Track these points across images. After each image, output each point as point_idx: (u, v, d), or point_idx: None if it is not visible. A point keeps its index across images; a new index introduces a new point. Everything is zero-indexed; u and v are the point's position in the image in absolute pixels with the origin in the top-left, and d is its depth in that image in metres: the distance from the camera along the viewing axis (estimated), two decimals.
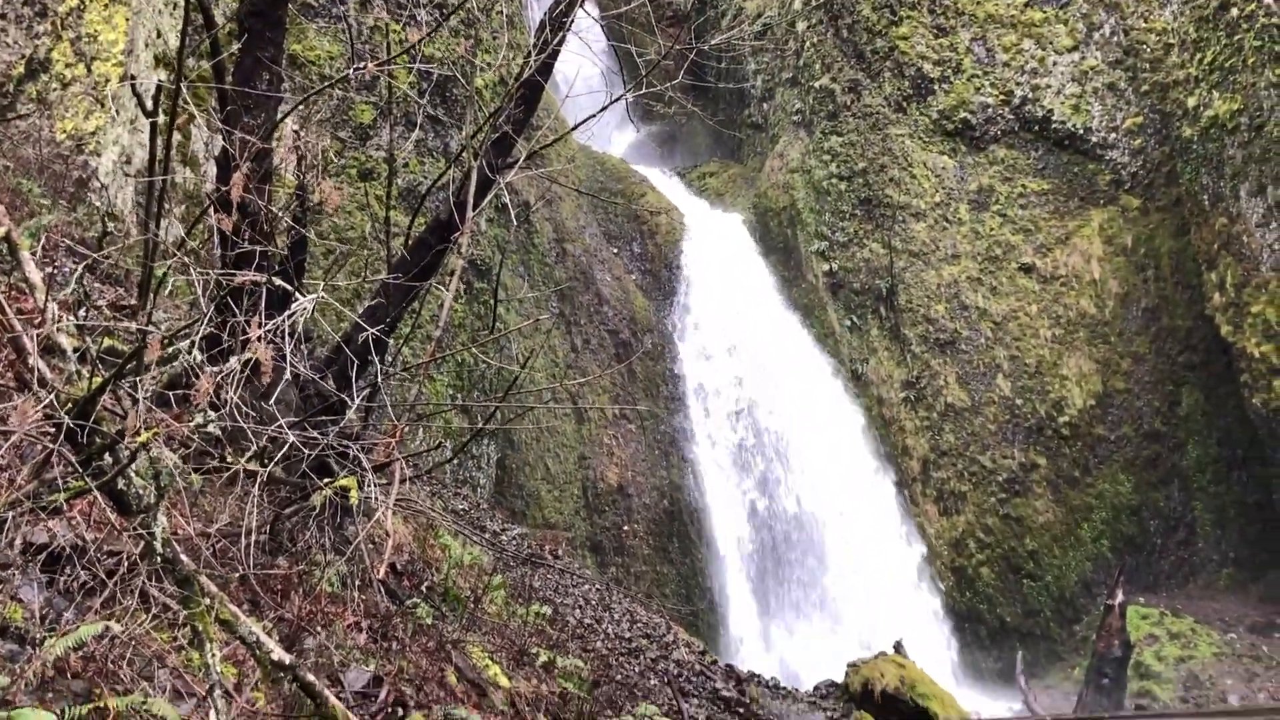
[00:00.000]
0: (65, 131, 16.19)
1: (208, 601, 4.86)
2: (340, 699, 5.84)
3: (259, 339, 4.55)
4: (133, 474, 4.76)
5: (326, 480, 7.93)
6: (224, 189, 5.93)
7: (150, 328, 4.54)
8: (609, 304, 35.43)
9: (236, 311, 5.19)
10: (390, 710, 8.08)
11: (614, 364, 34.10)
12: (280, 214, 7.75)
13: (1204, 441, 36.29)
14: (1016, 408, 38.01)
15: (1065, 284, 38.50)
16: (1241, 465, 35.29)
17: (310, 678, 5.26)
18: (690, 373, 36.52)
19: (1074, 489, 37.38)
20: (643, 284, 37.74)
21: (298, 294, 4.90)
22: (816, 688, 23.45)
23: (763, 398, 35.89)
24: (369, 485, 7.12)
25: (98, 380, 5.04)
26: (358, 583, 9.10)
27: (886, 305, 39.17)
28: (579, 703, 10.61)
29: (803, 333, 38.34)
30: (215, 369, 4.82)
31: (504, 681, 9.81)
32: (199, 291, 5.47)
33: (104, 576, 5.36)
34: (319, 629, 8.04)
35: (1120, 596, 27.35)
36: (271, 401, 6.76)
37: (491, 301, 29.22)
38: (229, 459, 5.80)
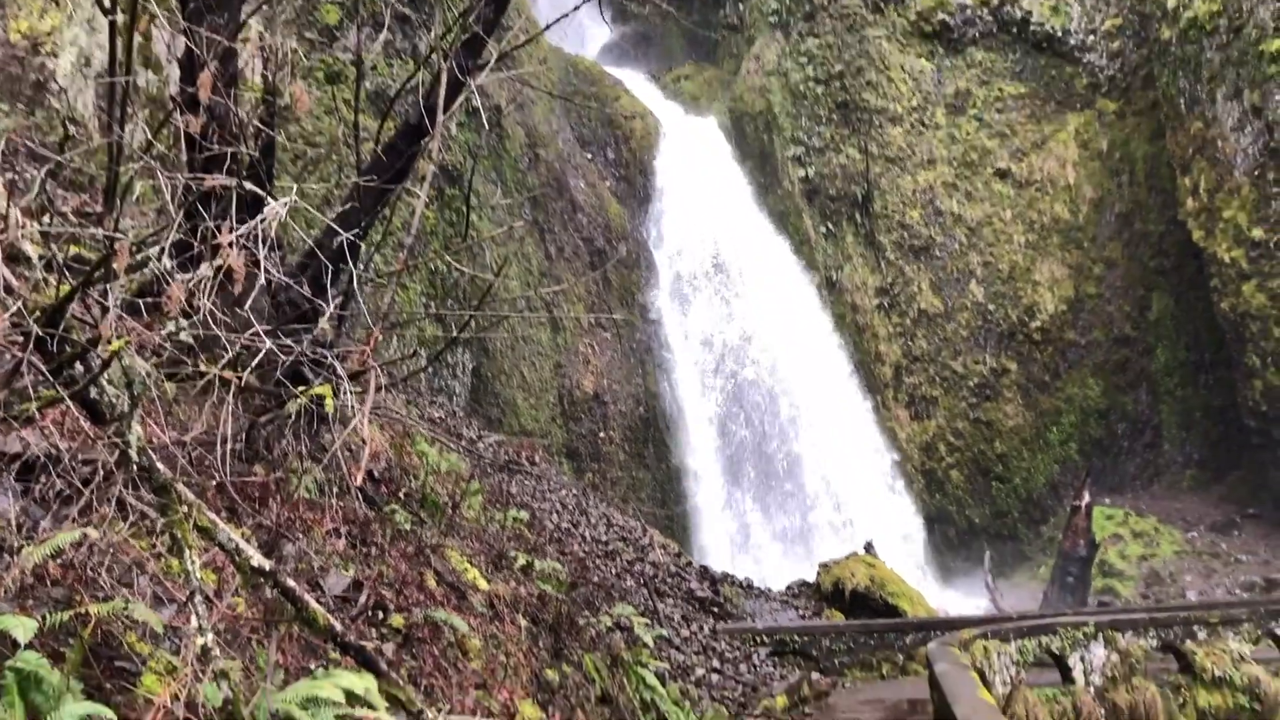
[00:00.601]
0: (19, 31, 15.67)
1: (185, 509, 4.87)
2: (320, 603, 5.91)
3: (230, 244, 4.47)
4: (105, 382, 4.72)
5: (302, 388, 7.89)
6: (190, 90, 5.78)
7: (118, 234, 4.46)
8: (583, 211, 35.10)
9: (206, 217, 5.09)
10: (370, 613, 8.19)
11: (589, 272, 33.94)
12: (248, 116, 7.56)
13: (1172, 346, 36.77)
14: (989, 313, 38.29)
15: (1040, 189, 38.49)
16: (1208, 369, 35.84)
17: (290, 583, 5.31)
18: (665, 281, 36.45)
19: (1044, 393, 37.91)
20: (617, 190, 37.36)
21: (269, 198, 4.81)
22: (789, 587, 23.97)
23: (738, 306, 35.94)
24: (345, 393, 7.09)
25: (65, 288, 4.96)
26: (335, 490, 9.14)
27: (862, 212, 39.04)
28: (557, 604, 10.80)
29: (778, 240, 38.22)
30: (186, 276, 4.75)
31: (483, 584, 9.96)
32: (167, 197, 5.36)
33: (80, 485, 5.35)
34: (297, 535, 8.09)
35: (1086, 497, 27.98)
36: (245, 309, 6.69)
37: (464, 208, 28.87)
38: (202, 367, 5.75)
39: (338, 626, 5.52)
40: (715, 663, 15.66)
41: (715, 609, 19.76)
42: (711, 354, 35.70)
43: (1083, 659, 16.19)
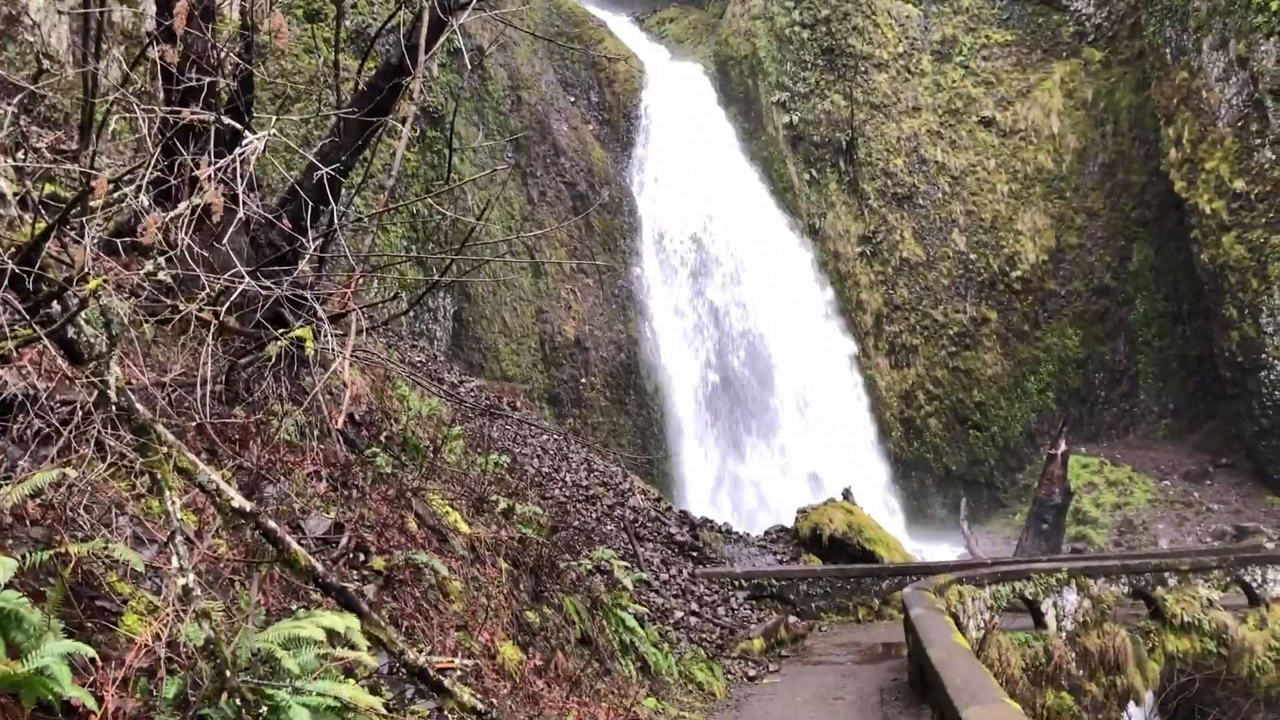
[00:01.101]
0: None
1: (165, 449, 4.84)
2: (302, 545, 5.92)
3: (209, 179, 4.39)
4: (82, 322, 4.66)
5: (282, 330, 7.84)
6: (165, 23, 5.64)
7: (94, 170, 4.37)
8: (566, 155, 34.81)
9: (184, 152, 4.99)
10: (351, 556, 8.22)
11: (571, 217, 33.74)
12: (226, 50, 7.41)
13: (1151, 296, 36.97)
14: (970, 262, 38.36)
15: (1024, 138, 38.39)
16: (1186, 320, 36.08)
17: (272, 524, 5.30)
18: (648, 227, 36.27)
19: (1023, 342, 38.13)
20: (600, 134, 37.03)
21: (247, 132, 4.71)
22: (767, 532, 24.19)
23: (721, 253, 35.84)
24: (325, 335, 7.05)
25: (41, 226, 4.88)
26: (316, 433, 9.12)
27: (846, 159, 38.87)
28: (538, 547, 10.87)
29: (761, 187, 38.06)
30: (164, 213, 4.66)
31: (464, 528, 10.00)
32: (144, 131, 5.25)
33: (58, 425, 5.32)
34: (278, 478, 8.09)
35: (1063, 446, 28.24)
36: (223, 248, 6.60)
37: (445, 151, 28.57)
38: (181, 307, 5.68)
39: (319, 568, 5.53)
40: (694, 606, 15.83)
41: (694, 553, 19.94)
42: (694, 301, 35.68)
43: (1055, 605, 16.45)
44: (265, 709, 4.71)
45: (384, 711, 6.22)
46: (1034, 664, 15.57)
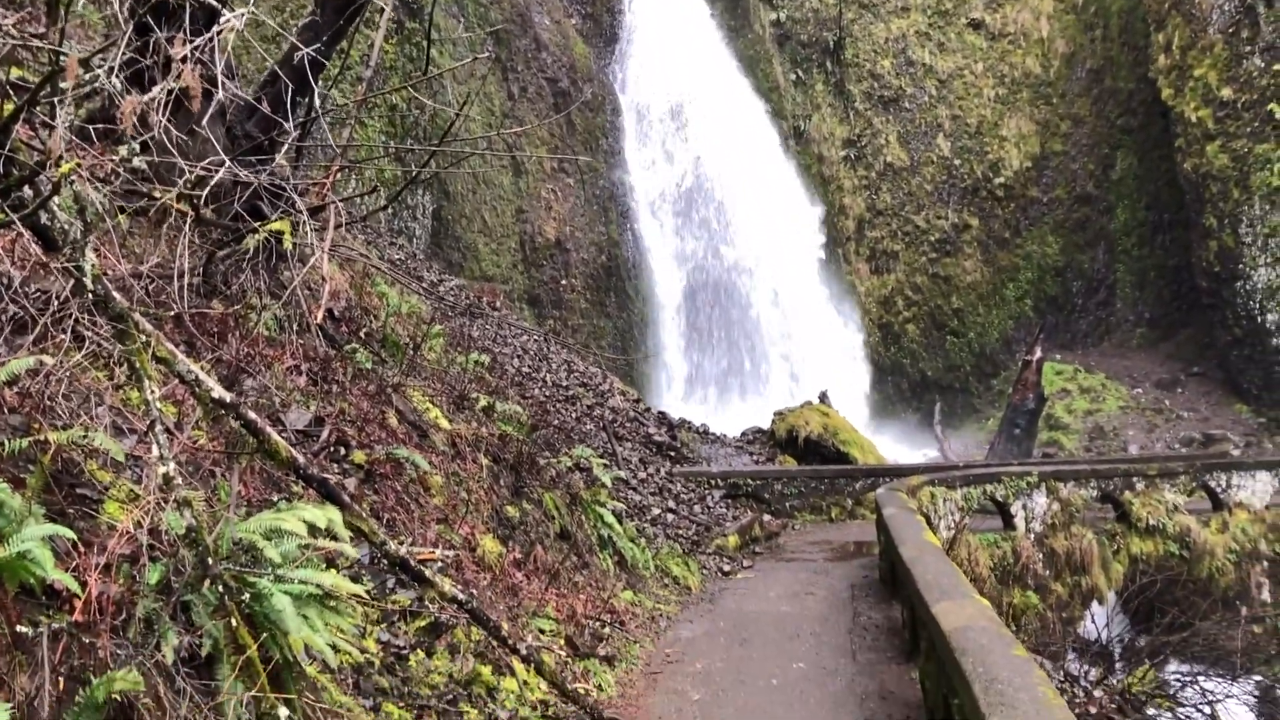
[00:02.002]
0: None
1: (144, 338, 4.80)
2: (283, 437, 5.93)
3: (185, 59, 4.26)
4: (55, 207, 4.57)
5: (259, 223, 7.73)
6: None
7: (64, 50, 4.24)
8: (547, 49, 34.06)
9: (158, 31, 4.83)
10: (332, 449, 8.25)
11: (552, 114, 33.18)
12: None
13: (1133, 205, 36.95)
14: (954, 168, 38.15)
15: (1013, 42, 37.86)
16: (1166, 229, 36.15)
17: (252, 415, 5.29)
18: (631, 126, 35.75)
19: (1003, 249, 38.17)
20: (583, 29, 36.21)
21: (224, 11, 4.56)
22: (744, 433, 24.45)
23: (705, 152, 35.43)
24: (304, 227, 6.96)
25: (10, 108, 4.75)
26: (295, 327, 9.07)
27: (833, 59, 38.26)
28: (518, 444, 10.95)
29: (746, 84, 37.48)
30: (139, 96, 4.54)
31: (444, 424, 10.05)
32: (116, 6, 5.08)
33: (34, 313, 5.26)
34: (257, 371, 8.06)
35: (1039, 353, 28.50)
36: (201, 131, 6.46)
37: (424, 43, 27.87)
38: (157, 196, 5.58)
39: (300, 459, 5.55)
40: (671, 503, 16.06)
41: (672, 453, 20.15)
42: (676, 203, 35.39)
43: (1025, 507, 16.80)
44: (247, 596, 4.77)
45: (365, 598, 6.33)
46: (1002, 564, 15.96)
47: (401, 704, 6.07)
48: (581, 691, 7.52)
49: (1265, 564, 19.25)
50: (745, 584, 12.93)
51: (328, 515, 5.56)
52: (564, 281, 33.77)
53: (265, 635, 4.72)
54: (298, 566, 5.18)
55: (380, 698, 5.99)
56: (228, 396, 5.15)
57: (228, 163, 4.73)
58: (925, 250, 38.10)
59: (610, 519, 11.45)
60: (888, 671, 8.63)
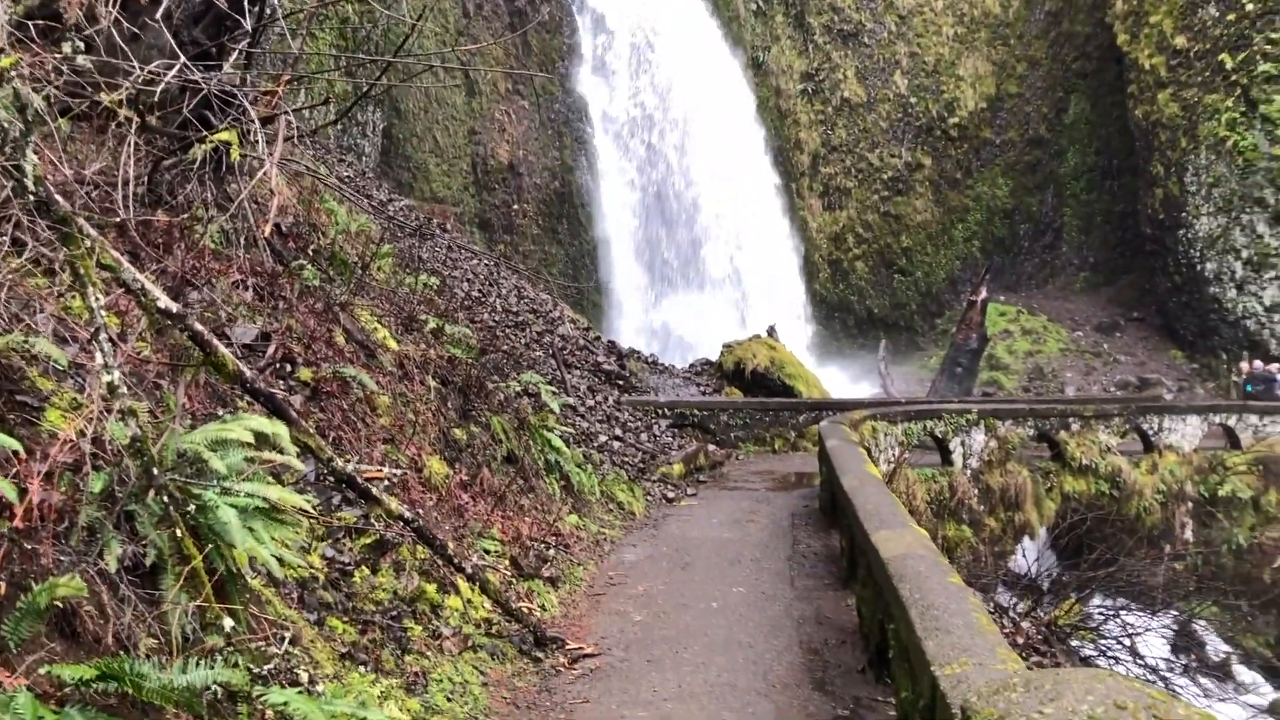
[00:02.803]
0: None
1: (88, 244, 4.69)
2: (229, 351, 5.85)
3: None
4: None
5: (208, 132, 7.54)
6: None
7: None
8: None
9: None
10: (278, 366, 8.17)
11: (508, 33, 32.55)
12: None
13: (1083, 150, 37.29)
14: (910, 106, 38.15)
15: None
16: (1115, 175, 36.58)
17: (199, 326, 5.22)
18: (588, 49, 35.21)
19: (954, 190, 38.42)
20: None
21: None
22: (692, 365, 24.59)
23: (661, 78, 35.05)
24: (253, 137, 6.80)
25: None
26: (242, 241, 8.92)
27: None
28: (467, 367, 10.92)
29: (703, 10, 37.00)
30: None
31: (392, 344, 9.98)
32: None
33: None
34: (203, 284, 7.93)
35: (984, 293, 28.86)
36: (152, 27, 6.25)
37: None
38: (103, 99, 5.41)
39: (247, 372, 5.50)
40: (618, 431, 16.17)
41: (620, 382, 20.23)
42: (631, 129, 35.05)
43: (963, 444, 17.15)
44: (193, 508, 4.75)
45: (312, 513, 6.33)
46: (938, 498, 16.34)
47: (346, 619, 6.12)
48: (525, 611, 7.62)
49: (1190, 505, 19.92)
50: (689, 511, 13.12)
51: (274, 429, 5.54)
52: (516, 206, 33.45)
53: (210, 547, 4.71)
54: (244, 479, 5.16)
55: (324, 612, 6.03)
56: (174, 307, 5.07)
57: (179, 64, 4.60)
58: (878, 188, 38.22)
59: (558, 444, 11.51)
60: (824, 597, 8.85)
